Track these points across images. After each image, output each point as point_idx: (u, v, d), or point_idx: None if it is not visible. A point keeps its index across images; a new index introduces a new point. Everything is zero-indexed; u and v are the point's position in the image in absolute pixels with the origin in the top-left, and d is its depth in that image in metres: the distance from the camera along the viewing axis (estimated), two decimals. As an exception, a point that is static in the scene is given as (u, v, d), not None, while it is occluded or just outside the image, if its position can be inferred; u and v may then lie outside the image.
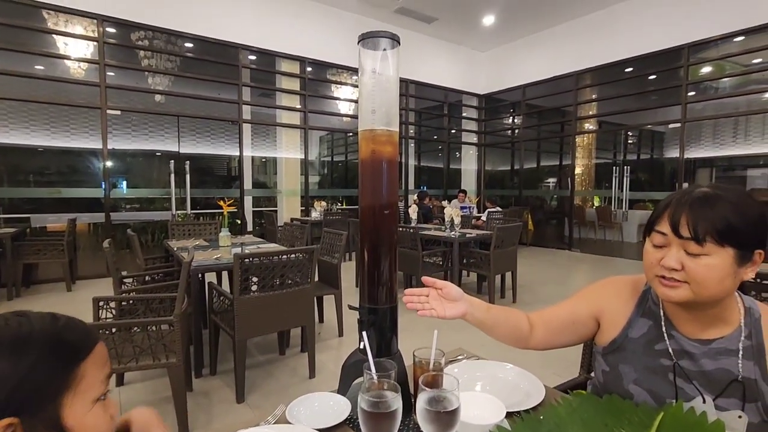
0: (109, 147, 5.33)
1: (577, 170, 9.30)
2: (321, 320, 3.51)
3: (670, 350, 0.86)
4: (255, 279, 2.31)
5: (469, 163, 9.81)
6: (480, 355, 1.19)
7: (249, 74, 6.63)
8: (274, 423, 0.84)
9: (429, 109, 9.31)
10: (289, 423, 0.84)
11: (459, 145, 9.67)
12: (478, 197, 9.02)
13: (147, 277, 2.93)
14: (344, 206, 8.64)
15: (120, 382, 2.38)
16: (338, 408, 0.87)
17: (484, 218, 5.42)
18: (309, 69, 6.97)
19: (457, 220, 4.13)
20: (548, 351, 0.98)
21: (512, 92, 8.77)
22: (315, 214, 6.44)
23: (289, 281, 2.42)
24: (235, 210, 6.54)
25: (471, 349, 1.25)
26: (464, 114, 9.54)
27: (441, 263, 4.33)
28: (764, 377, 0.80)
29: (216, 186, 8.16)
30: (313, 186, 7.75)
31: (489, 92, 9.22)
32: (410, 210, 4.64)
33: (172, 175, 5.47)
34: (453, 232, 4.14)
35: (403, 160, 8.48)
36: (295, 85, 6.95)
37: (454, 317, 0.89)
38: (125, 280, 2.78)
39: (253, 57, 6.58)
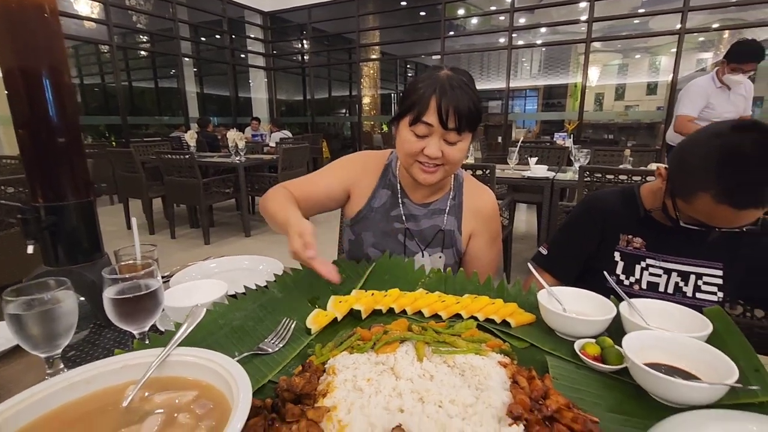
0: None
1: (366, 100, 9.91)
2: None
3: (402, 215, 1.01)
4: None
5: (260, 92, 9.21)
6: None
7: None
8: None
9: (208, 24, 8.11)
10: None
11: (246, 68, 8.89)
12: (270, 125, 8.71)
13: None
14: (110, 138, 7.23)
15: None
16: None
17: (273, 145, 5.27)
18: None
19: (241, 144, 3.85)
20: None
21: (298, 13, 8.36)
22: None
23: None
24: None
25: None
26: (249, 34, 8.70)
27: (230, 191, 4.06)
28: (459, 228, 1.01)
29: None
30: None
31: (273, 10, 8.56)
32: (186, 136, 4.09)
33: None
34: (238, 158, 3.87)
35: (181, 86, 7.31)
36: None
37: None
38: None
39: None
